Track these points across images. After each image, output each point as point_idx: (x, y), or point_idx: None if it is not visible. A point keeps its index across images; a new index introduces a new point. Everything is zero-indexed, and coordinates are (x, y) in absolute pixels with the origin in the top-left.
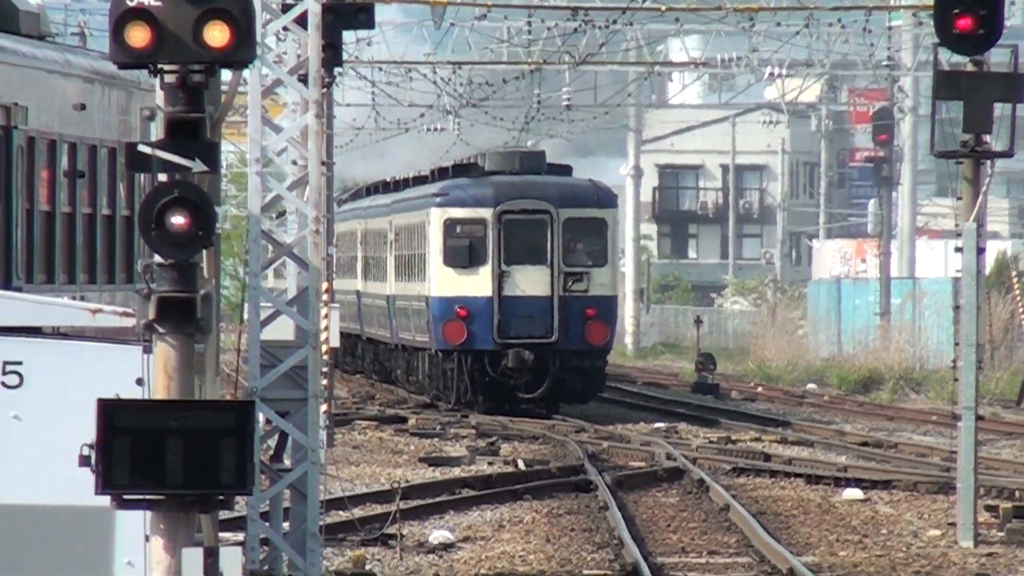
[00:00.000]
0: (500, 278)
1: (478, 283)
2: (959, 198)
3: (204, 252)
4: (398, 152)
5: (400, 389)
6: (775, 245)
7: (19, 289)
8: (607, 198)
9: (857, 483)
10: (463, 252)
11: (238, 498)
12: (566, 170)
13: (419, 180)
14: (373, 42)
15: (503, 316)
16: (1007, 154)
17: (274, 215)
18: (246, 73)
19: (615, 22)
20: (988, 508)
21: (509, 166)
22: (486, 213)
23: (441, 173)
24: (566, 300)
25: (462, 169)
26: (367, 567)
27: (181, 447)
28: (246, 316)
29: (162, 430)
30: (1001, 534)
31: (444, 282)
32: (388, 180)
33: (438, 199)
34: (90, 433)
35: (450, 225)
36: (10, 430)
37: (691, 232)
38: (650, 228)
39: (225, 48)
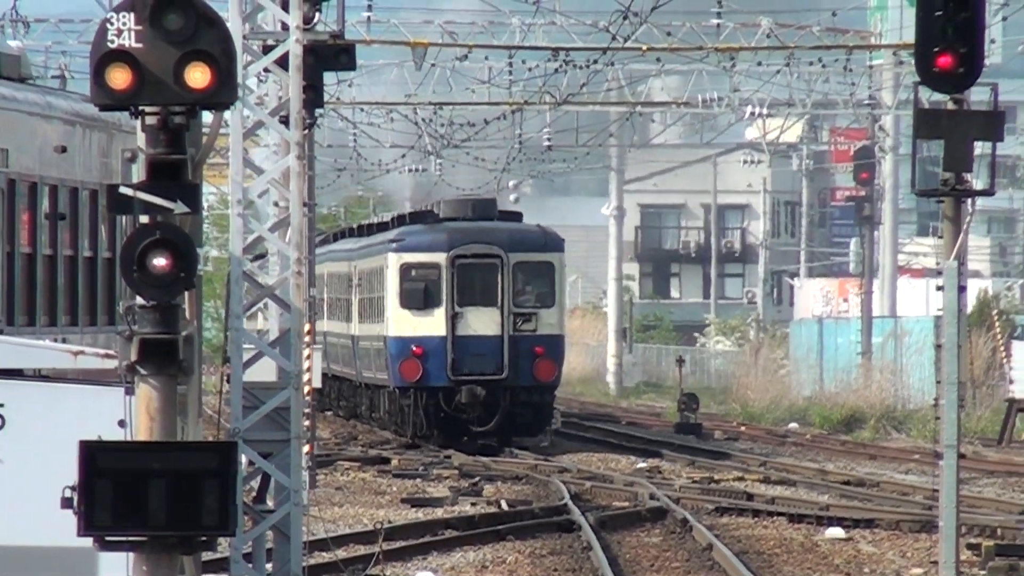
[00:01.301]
0: (453, 319)
1: (433, 324)
2: (940, 237)
3: (186, 294)
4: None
5: (384, 431)
6: (757, 284)
7: (0, 331)
8: (554, 243)
9: (839, 522)
10: (418, 295)
11: (221, 539)
12: (516, 216)
13: (381, 226)
14: (354, 83)
15: (456, 355)
16: (988, 192)
17: (251, 257)
18: (227, 115)
19: (596, 62)
20: (970, 546)
21: (462, 213)
22: (440, 258)
23: (399, 220)
24: (516, 339)
25: (418, 216)
26: None
27: (163, 488)
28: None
29: (144, 472)
30: (983, 572)
31: (401, 323)
32: (353, 226)
33: (394, 245)
34: (72, 475)
35: (406, 269)
36: None
37: (673, 271)
38: (632, 268)
39: (206, 89)
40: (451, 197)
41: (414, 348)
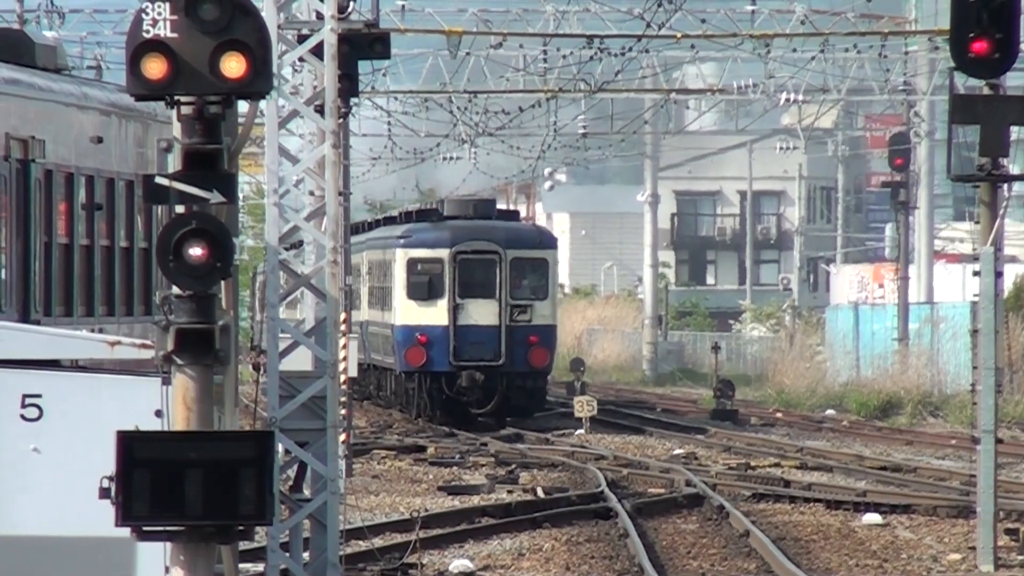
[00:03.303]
0: (455, 310)
1: (436, 314)
2: (976, 222)
3: (222, 283)
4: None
5: (390, 408)
6: (792, 271)
7: (37, 322)
8: (548, 240)
9: (876, 508)
10: (423, 287)
11: (258, 528)
12: (514, 215)
13: (389, 220)
14: (389, 72)
15: (457, 342)
16: None
17: (286, 247)
18: (262, 104)
19: (631, 49)
20: (1008, 532)
21: (464, 212)
22: (443, 253)
23: (406, 217)
24: (512, 329)
25: (424, 214)
26: None
27: (201, 478)
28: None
29: (181, 461)
30: (1021, 557)
31: (407, 313)
32: (364, 221)
33: (402, 241)
34: (110, 465)
35: (412, 263)
36: (30, 462)
37: (709, 258)
38: (668, 255)
39: (242, 79)
40: (454, 197)
41: (419, 336)
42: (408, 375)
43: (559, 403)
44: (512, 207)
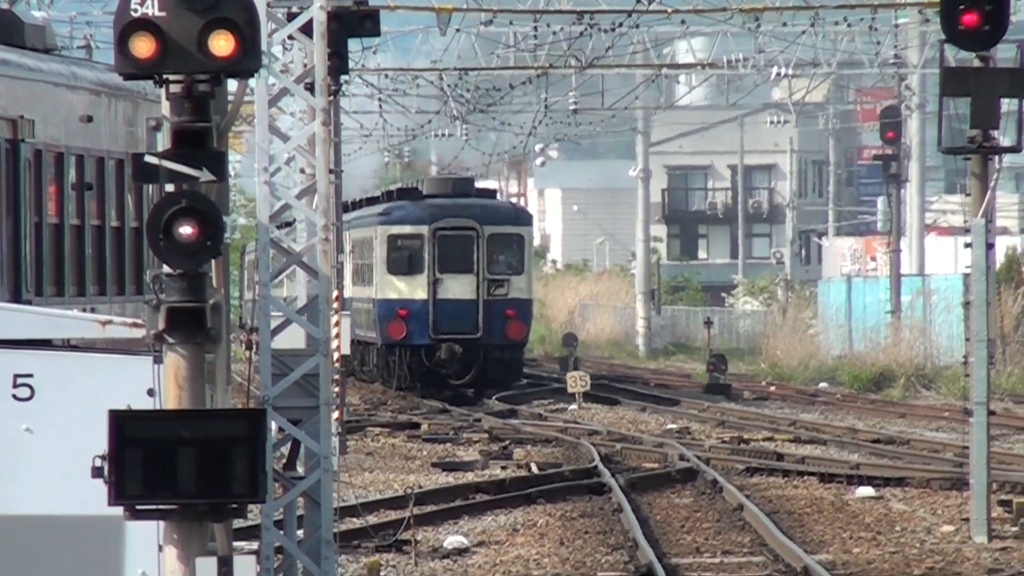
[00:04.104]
0: (434, 284)
1: (416, 288)
2: (968, 194)
3: (213, 262)
4: None
5: (373, 383)
6: (785, 244)
7: (29, 302)
8: (524, 217)
9: (870, 480)
10: (403, 262)
11: (251, 507)
12: (491, 193)
13: (372, 200)
14: (379, 50)
15: (437, 316)
16: (1015, 149)
17: (278, 225)
18: (252, 82)
19: (621, 25)
20: (1001, 503)
21: (443, 190)
22: (423, 230)
23: (388, 196)
24: (489, 303)
25: (404, 193)
26: (382, 573)
27: (193, 457)
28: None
29: (174, 440)
30: (1015, 529)
31: (388, 287)
32: (348, 201)
33: (383, 218)
34: (102, 444)
35: (393, 240)
36: (22, 442)
37: (701, 233)
38: (660, 229)
39: (230, 57)
40: (434, 176)
41: (399, 310)
42: (389, 348)
43: (552, 378)
44: (503, 184)
